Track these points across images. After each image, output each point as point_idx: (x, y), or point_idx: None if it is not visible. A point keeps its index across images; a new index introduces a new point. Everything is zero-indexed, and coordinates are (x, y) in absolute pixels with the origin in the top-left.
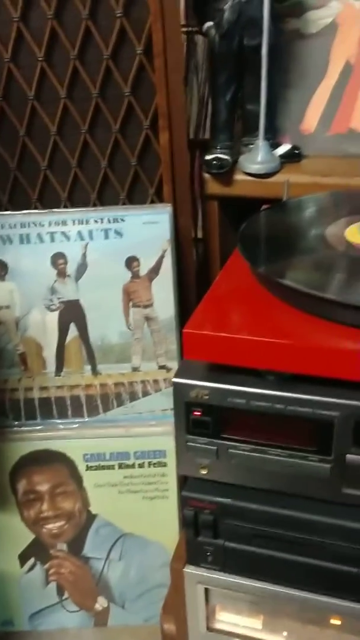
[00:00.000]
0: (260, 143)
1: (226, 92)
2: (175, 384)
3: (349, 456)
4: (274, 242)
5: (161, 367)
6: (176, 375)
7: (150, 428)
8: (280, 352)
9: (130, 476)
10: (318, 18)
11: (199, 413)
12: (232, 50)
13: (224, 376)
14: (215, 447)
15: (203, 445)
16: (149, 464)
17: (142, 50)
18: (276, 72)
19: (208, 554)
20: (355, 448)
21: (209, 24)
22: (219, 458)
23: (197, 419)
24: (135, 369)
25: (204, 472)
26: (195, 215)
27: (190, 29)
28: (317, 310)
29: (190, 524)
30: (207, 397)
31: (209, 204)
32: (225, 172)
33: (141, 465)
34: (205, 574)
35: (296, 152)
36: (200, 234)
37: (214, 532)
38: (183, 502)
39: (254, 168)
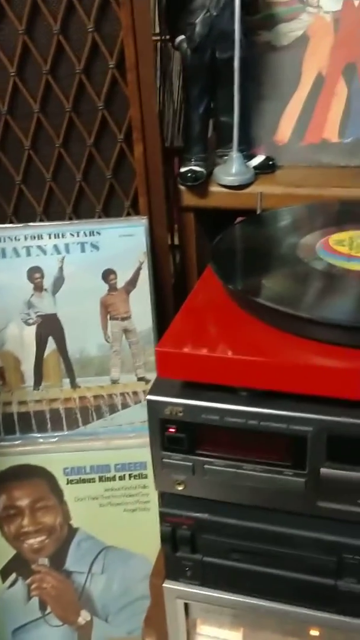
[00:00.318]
0: (234, 155)
1: (199, 104)
2: (149, 402)
3: (322, 470)
4: (247, 258)
5: (140, 379)
6: (150, 393)
7: (130, 440)
8: (253, 370)
9: (111, 489)
10: (289, 30)
11: (173, 430)
12: (204, 63)
13: (198, 393)
14: (190, 463)
15: (178, 462)
16: (130, 476)
17: (114, 65)
18: (249, 84)
19: (187, 569)
20: (329, 462)
21: (181, 37)
22: (194, 474)
23: (172, 436)
24: (114, 382)
25: (180, 488)
26: (173, 224)
27: (163, 37)
28: (289, 327)
29: (168, 540)
30: (181, 414)
31: (185, 215)
32: (199, 184)
33: (122, 478)
34: (184, 588)
35: (270, 163)
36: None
37: (192, 547)
38: (160, 518)
39: (229, 180)
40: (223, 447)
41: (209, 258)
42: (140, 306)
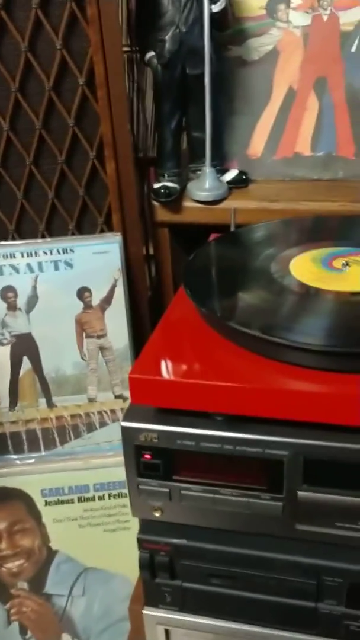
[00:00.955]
0: (207, 170)
1: (171, 120)
2: (123, 428)
3: (300, 493)
4: (220, 278)
5: (117, 397)
6: (124, 419)
7: (108, 459)
8: (228, 395)
9: (90, 509)
10: (259, 45)
11: (149, 456)
12: (175, 79)
13: (173, 418)
14: (167, 489)
15: (155, 488)
16: (109, 495)
17: (84, 81)
18: (221, 99)
19: (166, 594)
20: (306, 485)
21: (151, 53)
22: (171, 500)
23: (148, 462)
24: (91, 400)
25: (157, 514)
26: (148, 238)
27: (134, 48)
28: (262, 351)
29: (146, 566)
30: (156, 440)
31: (160, 231)
32: (173, 200)
33: (101, 498)
34: (164, 614)
35: (244, 177)
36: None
37: (171, 573)
38: (138, 545)
39: (202, 195)
40: (200, 472)
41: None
42: (116, 323)
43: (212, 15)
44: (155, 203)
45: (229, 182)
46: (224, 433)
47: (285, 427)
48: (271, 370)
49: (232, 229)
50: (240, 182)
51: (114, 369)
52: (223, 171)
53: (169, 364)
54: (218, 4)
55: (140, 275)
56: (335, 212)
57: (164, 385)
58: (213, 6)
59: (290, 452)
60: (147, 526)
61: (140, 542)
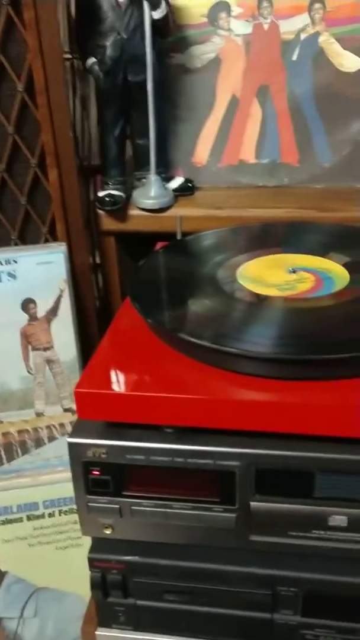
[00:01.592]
0: (152, 178)
1: (114, 127)
2: (70, 445)
3: (252, 504)
4: (166, 288)
5: (66, 410)
6: (71, 435)
7: (58, 474)
8: (178, 407)
9: (40, 527)
10: (202, 53)
11: (97, 472)
12: (117, 86)
13: (121, 432)
14: (117, 506)
15: (105, 505)
16: (60, 512)
17: (23, 88)
18: (164, 106)
19: (120, 614)
20: (258, 495)
21: (92, 60)
22: (122, 516)
23: (96, 479)
24: (39, 414)
25: (108, 532)
26: (95, 247)
27: (74, 55)
28: (211, 360)
29: (98, 586)
30: (104, 455)
31: (106, 240)
32: (118, 209)
33: (51, 515)
34: (118, 634)
35: (189, 185)
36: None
37: (124, 592)
38: (89, 564)
39: (148, 203)
40: (150, 486)
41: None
42: (63, 335)
43: (154, 22)
44: (101, 212)
45: (174, 190)
46: (174, 446)
47: (236, 437)
48: (221, 380)
49: (179, 237)
50: (186, 190)
51: (62, 382)
52: (168, 179)
53: (116, 376)
54: (159, 10)
55: (87, 285)
56: (281, 219)
57: (112, 398)
58: (154, 13)
59: (242, 462)
60: (98, 544)
61: (91, 561)
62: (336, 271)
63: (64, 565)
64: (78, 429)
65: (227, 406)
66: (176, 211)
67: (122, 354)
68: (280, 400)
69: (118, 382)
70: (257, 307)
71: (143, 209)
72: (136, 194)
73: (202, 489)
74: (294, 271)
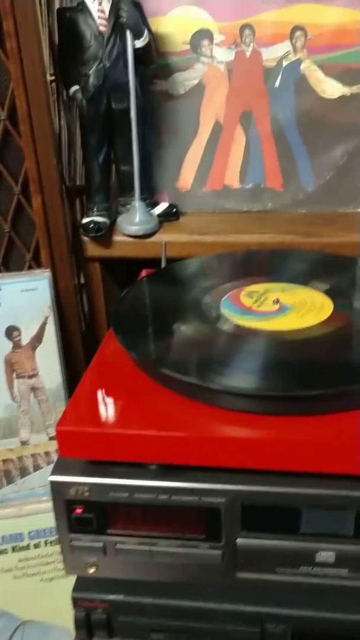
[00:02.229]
0: (137, 204)
1: (98, 153)
2: (52, 483)
3: (239, 540)
4: (149, 320)
5: (52, 438)
6: (53, 473)
7: (44, 504)
8: (162, 445)
9: (26, 559)
10: (185, 79)
11: (80, 510)
12: (100, 113)
13: (104, 469)
14: (101, 544)
15: (88, 544)
16: (45, 542)
17: (6, 116)
18: (148, 132)
19: None
20: (245, 532)
21: (75, 87)
22: (106, 555)
23: (79, 517)
24: (24, 443)
25: (92, 570)
26: (80, 272)
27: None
28: (194, 396)
29: (83, 626)
30: (87, 493)
31: (91, 266)
32: (103, 235)
33: (37, 546)
34: None
35: (174, 210)
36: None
37: (109, 631)
38: (73, 603)
39: (132, 229)
40: (135, 524)
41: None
42: (48, 362)
43: (136, 50)
44: (85, 238)
45: (159, 215)
46: (158, 483)
47: (222, 473)
48: (206, 416)
49: (163, 264)
50: (171, 215)
51: (48, 410)
52: (153, 204)
53: (99, 413)
54: (141, 39)
55: (72, 312)
56: (266, 245)
57: (95, 437)
58: (136, 41)
59: (227, 499)
60: (82, 583)
61: (75, 600)
62: (320, 300)
63: (50, 597)
64: (60, 467)
65: (213, 444)
66: (161, 237)
67: (105, 389)
68: (267, 437)
69: (101, 419)
70: (241, 340)
71: (128, 235)
72: (120, 220)
73: (188, 525)
74: (277, 301)
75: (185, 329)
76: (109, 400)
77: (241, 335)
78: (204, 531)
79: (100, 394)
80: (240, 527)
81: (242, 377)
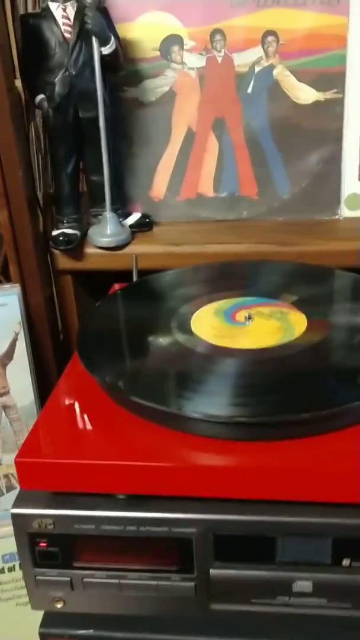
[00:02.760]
0: (108, 215)
1: (67, 164)
2: (13, 516)
3: (212, 571)
4: (117, 340)
5: None
6: (14, 505)
7: None
8: (130, 475)
9: (0, 582)
10: (155, 86)
11: (44, 544)
12: (67, 122)
13: (69, 500)
14: (68, 578)
15: (54, 578)
16: (21, 566)
17: None
18: (119, 141)
19: None
20: (218, 562)
21: (41, 96)
22: (74, 589)
23: (44, 551)
24: None
25: (59, 605)
26: (52, 285)
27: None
28: (164, 422)
29: None
30: (51, 526)
31: (62, 279)
32: (73, 247)
33: (11, 569)
34: None
35: (147, 220)
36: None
37: None
38: (40, 639)
39: (104, 241)
40: (103, 557)
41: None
42: (20, 379)
43: (103, 58)
44: (56, 250)
45: (131, 226)
46: (126, 513)
47: (192, 502)
48: (175, 443)
49: (135, 278)
50: (144, 226)
51: (20, 429)
52: (125, 214)
53: (62, 442)
54: (108, 46)
55: (43, 327)
56: (241, 255)
57: (56, 468)
58: (103, 48)
59: (199, 529)
60: (49, 618)
61: (42, 636)
62: (294, 316)
63: (27, 622)
64: (21, 498)
65: (183, 473)
66: (134, 248)
67: (69, 415)
68: (239, 465)
69: (64, 449)
70: (212, 361)
71: (99, 247)
72: (92, 232)
73: (158, 557)
74: (249, 317)
75: (153, 350)
76: (73, 427)
77: (212, 356)
78: (175, 562)
79: (63, 421)
80: (213, 557)
81: (212, 403)
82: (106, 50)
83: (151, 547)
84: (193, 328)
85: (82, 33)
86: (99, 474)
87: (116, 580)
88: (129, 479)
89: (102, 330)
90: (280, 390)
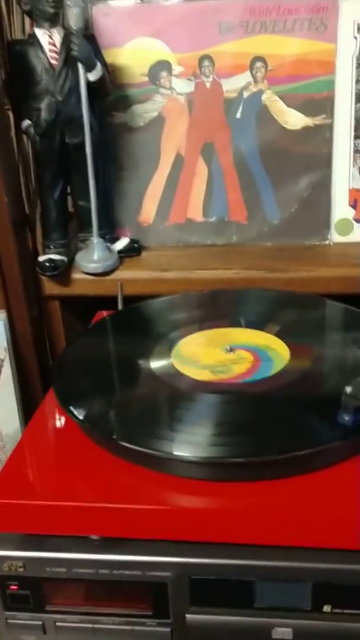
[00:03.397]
0: (95, 240)
1: (53, 190)
2: None
3: (188, 616)
4: (95, 375)
5: None
6: None
7: None
8: (103, 517)
9: None
10: (144, 111)
11: (15, 587)
12: (54, 148)
13: (40, 542)
14: (39, 622)
15: (25, 622)
16: None
17: None
18: (108, 166)
19: None
20: (195, 607)
21: (27, 122)
22: (46, 633)
23: (15, 594)
24: None
25: None
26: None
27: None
28: (142, 463)
29: None
30: (22, 569)
31: (50, 305)
32: (60, 273)
33: None
34: None
35: (135, 245)
36: None
37: None
38: None
39: (91, 267)
40: (76, 600)
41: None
42: (5, 407)
43: (90, 84)
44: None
45: (119, 251)
46: (98, 556)
47: (167, 544)
48: (151, 484)
49: (120, 306)
50: (132, 251)
51: (5, 457)
52: (114, 239)
53: (34, 483)
54: (94, 72)
55: (30, 354)
56: (229, 282)
57: (28, 509)
58: (89, 75)
59: (174, 572)
60: None
61: None
62: (277, 348)
63: None
64: None
65: (159, 515)
66: (121, 274)
67: (42, 454)
68: (217, 507)
69: (36, 490)
70: (190, 397)
71: (87, 273)
72: (79, 257)
73: (133, 601)
74: (231, 349)
75: (132, 386)
76: (46, 467)
77: (192, 392)
78: (150, 607)
79: (36, 460)
80: (189, 602)
81: (189, 443)
82: (92, 76)
83: (125, 590)
84: (174, 362)
85: (69, 59)
86: (71, 516)
87: (89, 625)
88: (103, 522)
89: (80, 364)
90: (260, 430)
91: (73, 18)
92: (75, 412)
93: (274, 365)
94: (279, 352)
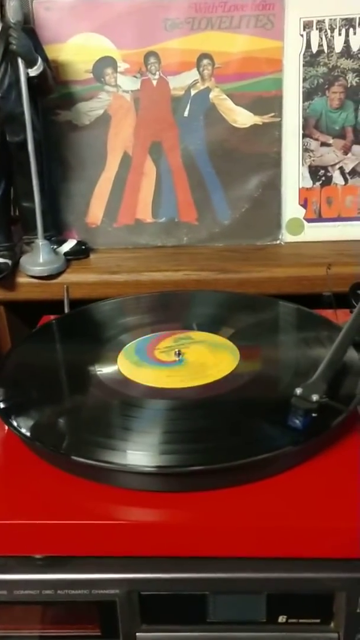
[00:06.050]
0: (40, 243)
1: None
2: None
3: (139, 635)
4: (36, 384)
5: None
6: None
7: None
8: (44, 534)
9: None
10: (89, 109)
11: None
12: None
13: None
14: None
15: None
16: None
17: None
18: (54, 165)
19: None
20: (145, 625)
21: None
22: None
23: None
24: None
25: None
26: None
27: None
28: (84, 474)
29: None
30: None
31: None
32: (4, 277)
33: None
34: None
35: (82, 247)
36: None
37: None
38: None
39: (37, 270)
40: (19, 622)
41: None
42: None
43: (30, 80)
44: None
45: (66, 254)
46: (41, 576)
47: (114, 560)
48: (95, 498)
49: (66, 309)
50: (79, 253)
51: None
52: (60, 242)
53: None
54: (35, 67)
55: None
56: (180, 283)
57: None
58: (30, 70)
59: (123, 589)
60: None
61: None
62: (227, 350)
63: None
64: None
65: (104, 530)
66: (68, 277)
67: None
68: (166, 520)
69: None
70: (135, 404)
71: (32, 276)
72: (24, 260)
73: (80, 621)
74: (179, 353)
75: (75, 395)
76: None
77: (137, 399)
78: (99, 627)
79: None
80: (140, 620)
81: (133, 452)
82: (33, 72)
83: (72, 611)
84: (120, 367)
85: (8, 54)
86: (11, 534)
87: None
88: (45, 539)
89: (20, 373)
90: (209, 437)
91: (11, 10)
92: (14, 424)
93: (226, 368)
94: (230, 356)
